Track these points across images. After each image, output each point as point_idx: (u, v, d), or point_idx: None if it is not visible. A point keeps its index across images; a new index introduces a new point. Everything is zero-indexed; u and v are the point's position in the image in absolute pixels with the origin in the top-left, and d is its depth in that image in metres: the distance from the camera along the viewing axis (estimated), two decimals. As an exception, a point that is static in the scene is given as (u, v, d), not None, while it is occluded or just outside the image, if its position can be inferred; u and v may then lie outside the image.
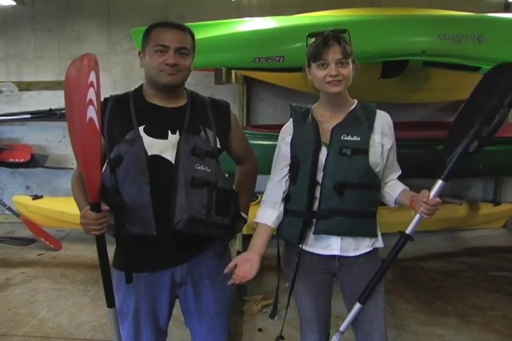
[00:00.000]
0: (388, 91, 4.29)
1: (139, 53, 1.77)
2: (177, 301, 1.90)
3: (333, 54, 1.70)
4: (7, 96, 5.09)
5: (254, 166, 2.01)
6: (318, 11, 3.75)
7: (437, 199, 1.73)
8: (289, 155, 1.84)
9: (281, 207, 1.88)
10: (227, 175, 1.83)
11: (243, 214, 1.91)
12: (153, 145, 1.68)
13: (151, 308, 1.82)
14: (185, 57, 1.71)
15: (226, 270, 1.80)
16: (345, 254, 1.84)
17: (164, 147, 1.69)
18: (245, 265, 1.80)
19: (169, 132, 1.71)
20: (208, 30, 3.09)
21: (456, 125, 1.76)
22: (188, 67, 1.73)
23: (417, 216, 1.79)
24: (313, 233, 1.82)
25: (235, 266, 1.81)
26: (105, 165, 1.70)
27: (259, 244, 1.86)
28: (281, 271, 2.01)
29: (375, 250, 1.88)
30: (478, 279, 3.77)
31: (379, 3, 4.77)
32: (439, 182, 1.76)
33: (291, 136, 1.85)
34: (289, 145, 1.84)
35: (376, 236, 1.86)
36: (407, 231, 1.84)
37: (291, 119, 1.90)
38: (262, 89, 5.05)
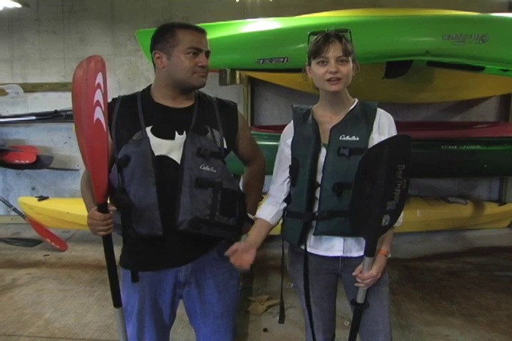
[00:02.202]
0: (392, 92, 4.29)
1: (155, 53, 1.75)
2: (182, 301, 1.91)
3: (334, 51, 1.70)
4: (12, 98, 5.10)
5: (262, 167, 2.01)
6: (321, 11, 3.75)
7: (366, 273, 1.77)
8: (290, 156, 1.85)
9: (282, 205, 1.89)
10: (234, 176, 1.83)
11: (250, 215, 1.91)
12: (160, 146, 1.69)
13: (154, 307, 1.83)
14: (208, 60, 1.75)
15: (226, 252, 1.81)
16: (349, 255, 1.84)
17: (171, 147, 1.70)
18: (243, 255, 1.82)
19: (176, 133, 1.72)
20: (212, 32, 3.07)
21: (356, 203, 1.70)
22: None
23: (360, 288, 1.82)
24: (314, 234, 1.82)
25: (235, 251, 1.81)
26: (114, 165, 1.71)
27: (254, 237, 1.88)
28: (286, 271, 2.01)
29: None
30: (483, 279, 3.76)
31: (382, 4, 4.77)
32: (367, 259, 1.77)
33: (291, 138, 1.86)
34: (290, 147, 1.85)
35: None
36: (358, 301, 1.84)
37: (292, 121, 1.90)
38: (267, 89, 5.07)
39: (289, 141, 1.86)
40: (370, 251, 1.75)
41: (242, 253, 1.81)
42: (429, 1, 4.69)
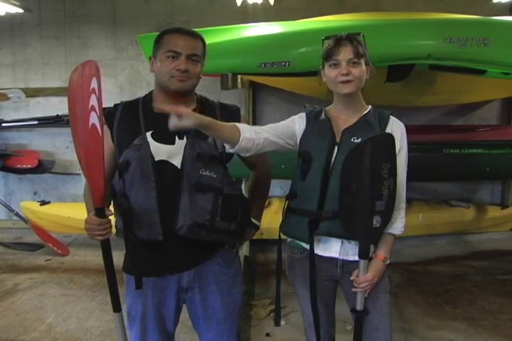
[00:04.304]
0: (394, 95, 4.28)
1: (150, 58, 1.78)
2: (185, 306, 1.90)
3: (345, 53, 1.72)
4: (14, 103, 5.13)
5: (266, 172, 1.99)
6: (323, 15, 3.76)
7: (362, 277, 1.77)
8: (295, 132, 1.82)
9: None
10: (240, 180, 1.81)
11: (254, 221, 1.91)
12: (160, 151, 1.69)
13: (157, 312, 1.83)
14: (196, 64, 1.73)
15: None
16: (346, 258, 1.82)
17: (171, 152, 1.70)
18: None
19: (176, 137, 1.72)
20: (214, 36, 3.10)
21: (345, 203, 1.70)
22: (198, 73, 1.74)
23: (358, 293, 1.82)
24: (316, 234, 1.80)
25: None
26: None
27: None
28: (284, 275, 2.00)
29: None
30: (486, 283, 3.75)
31: (384, 8, 4.78)
32: (361, 262, 1.76)
33: (303, 128, 1.83)
34: (300, 138, 1.82)
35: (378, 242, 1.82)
36: (357, 308, 1.84)
37: (304, 114, 1.88)
38: (268, 93, 5.07)
39: (300, 130, 1.83)
40: (363, 254, 1.74)
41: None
42: (430, 5, 4.70)
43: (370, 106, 1.85)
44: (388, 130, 1.79)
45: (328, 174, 1.76)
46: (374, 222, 1.67)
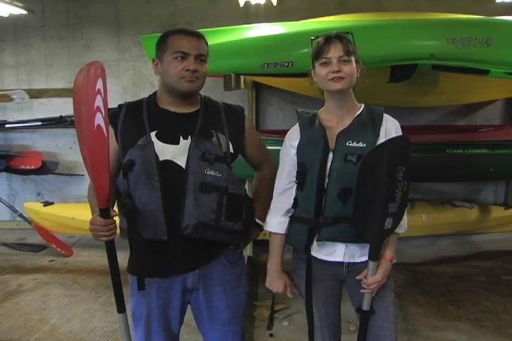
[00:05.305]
0: (397, 96, 4.28)
1: (153, 60, 1.78)
2: (189, 306, 1.90)
3: (335, 51, 1.72)
4: (18, 104, 5.13)
5: (271, 172, 1.97)
6: (325, 15, 3.76)
7: (371, 279, 1.78)
8: (295, 158, 1.83)
9: (289, 213, 1.87)
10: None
11: (258, 221, 1.91)
12: (164, 151, 1.69)
13: (162, 313, 1.83)
14: (203, 64, 1.73)
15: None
16: (351, 261, 1.83)
17: (176, 152, 1.70)
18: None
19: (181, 137, 1.72)
20: (217, 37, 3.10)
21: (360, 205, 1.71)
22: (205, 73, 1.75)
23: (365, 294, 1.82)
24: (317, 240, 1.81)
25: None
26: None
27: (278, 259, 1.91)
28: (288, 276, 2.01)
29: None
30: (490, 283, 3.74)
31: (386, 8, 4.78)
32: (371, 264, 1.76)
33: (298, 141, 1.84)
34: (296, 150, 1.84)
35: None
36: (364, 308, 1.84)
37: (297, 124, 1.88)
38: (271, 94, 5.07)
39: (295, 144, 1.84)
40: (374, 255, 1.74)
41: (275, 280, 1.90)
42: (433, 5, 4.70)
43: (362, 105, 1.84)
44: (383, 129, 1.79)
45: (324, 182, 1.76)
46: (386, 224, 1.67)
